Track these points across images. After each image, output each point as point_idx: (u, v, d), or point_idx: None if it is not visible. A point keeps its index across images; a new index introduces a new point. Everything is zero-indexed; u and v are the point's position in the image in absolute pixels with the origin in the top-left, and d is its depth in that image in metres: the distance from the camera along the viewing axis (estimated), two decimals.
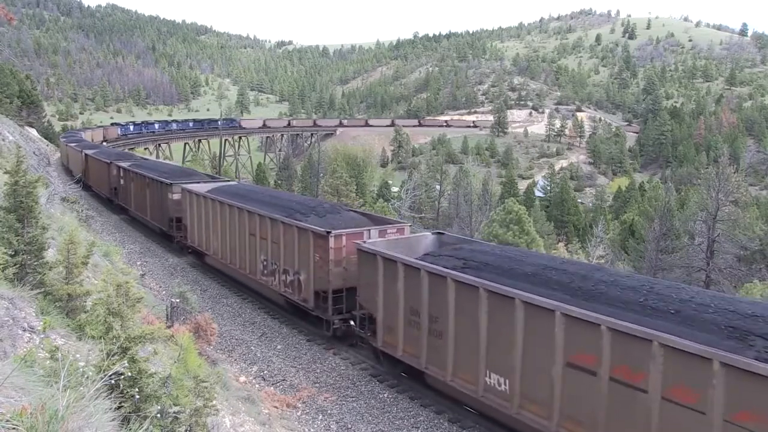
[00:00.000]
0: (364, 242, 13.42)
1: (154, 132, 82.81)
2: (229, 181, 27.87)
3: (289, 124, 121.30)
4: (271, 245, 16.54)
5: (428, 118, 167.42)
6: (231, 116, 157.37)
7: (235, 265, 18.86)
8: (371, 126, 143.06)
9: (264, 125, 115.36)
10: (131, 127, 79.51)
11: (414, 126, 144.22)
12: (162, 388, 5.23)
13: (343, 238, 14.25)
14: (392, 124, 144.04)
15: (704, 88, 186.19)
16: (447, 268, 11.06)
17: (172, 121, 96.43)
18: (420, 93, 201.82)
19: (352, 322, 14.33)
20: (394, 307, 12.09)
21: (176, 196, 23.15)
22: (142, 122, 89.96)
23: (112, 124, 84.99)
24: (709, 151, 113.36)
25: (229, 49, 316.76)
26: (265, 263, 17.03)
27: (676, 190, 71.22)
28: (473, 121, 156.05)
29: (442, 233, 15.17)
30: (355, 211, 17.79)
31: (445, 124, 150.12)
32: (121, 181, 30.51)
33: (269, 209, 17.24)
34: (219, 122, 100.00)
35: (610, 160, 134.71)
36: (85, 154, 38.77)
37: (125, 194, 30.06)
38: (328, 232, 14.11)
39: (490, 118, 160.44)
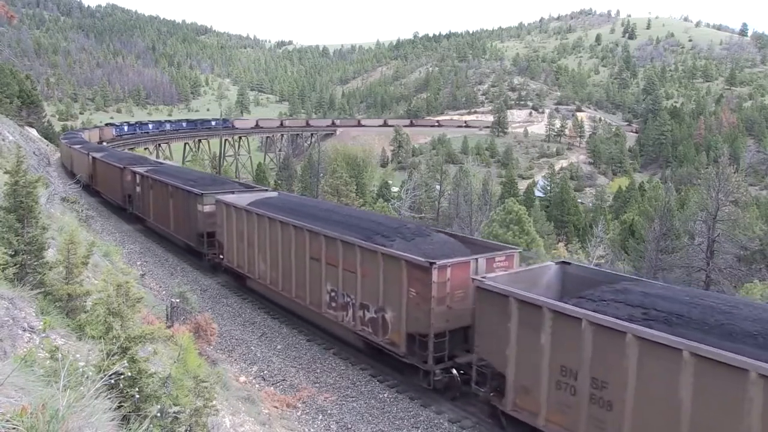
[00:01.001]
0: (483, 278, 10.80)
1: (148, 132, 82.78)
2: (267, 190, 24.37)
3: (281, 124, 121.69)
4: (342, 274, 13.84)
5: (428, 118, 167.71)
6: (230, 116, 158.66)
7: (288, 293, 16.16)
8: (363, 126, 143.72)
9: (257, 125, 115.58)
10: (125, 128, 79.55)
11: (405, 126, 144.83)
12: (162, 388, 5.23)
13: (448, 270, 11.60)
14: (385, 124, 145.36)
15: (704, 88, 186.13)
16: (620, 318, 8.61)
17: (165, 121, 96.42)
18: (420, 93, 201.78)
19: (454, 371, 11.94)
20: (533, 363, 9.62)
21: (208, 209, 20.41)
22: (136, 122, 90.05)
23: (106, 124, 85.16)
24: (709, 151, 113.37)
25: (229, 49, 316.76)
26: (333, 294, 14.30)
27: (676, 190, 71.23)
28: (465, 121, 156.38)
29: (568, 263, 12.50)
30: (443, 232, 14.85)
31: (436, 123, 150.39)
32: (138, 189, 27.53)
33: (338, 229, 14.40)
34: (212, 122, 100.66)
35: (610, 160, 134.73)
36: (93, 158, 36.19)
37: (142, 203, 27.29)
38: (431, 263, 11.36)
39: (482, 117, 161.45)
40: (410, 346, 12.08)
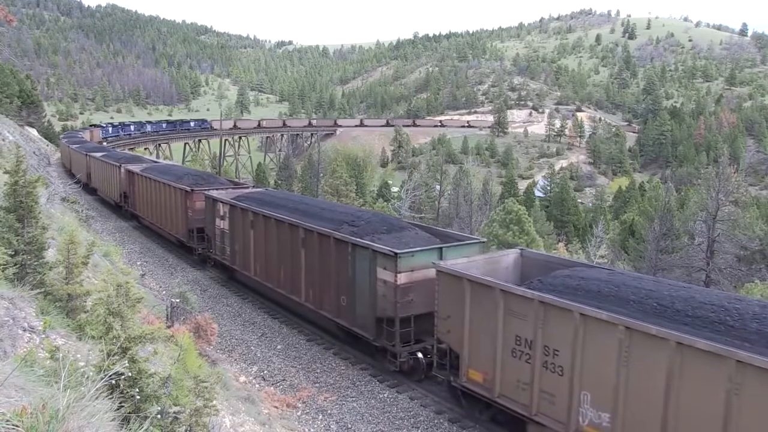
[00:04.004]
0: None
1: (130, 134, 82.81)
2: (481, 241, 14.47)
3: (259, 125, 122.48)
4: None
5: (428, 118, 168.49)
6: (230, 116, 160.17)
7: None
8: (340, 126, 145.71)
9: (235, 126, 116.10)
10: (110, 129, 79.66)
11: (382, 126, 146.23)
12: (162, 388, 5.23)
13: None
14: (361, 124, 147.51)
15: (704, 88, 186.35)
16: None
17: (147, 122, 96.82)
18: (420, 93, 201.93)
19: None
20: None
21: (404, 279, 12.37)
22: (119, 123, 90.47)
23: (91, 125, 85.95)
24: (709, 151, 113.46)
25: (229, 49, 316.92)
26: None
27: (676, 190, 71.17)
28: (440, 121, 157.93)
29: None
30: None
31: (412, 123, 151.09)
32: (222, 223, 19.82)
33: None
34: (191, 123, 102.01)
35: (610, 160, 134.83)
36: (128, 171, 29.24)
37: (230, 246, 19.41)
38: None
39: (460, 118, 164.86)
40: None
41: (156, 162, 36.28)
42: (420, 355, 12.72)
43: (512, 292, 10.12)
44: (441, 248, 12.97)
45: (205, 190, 22.02)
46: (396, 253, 12.23)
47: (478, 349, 10.74)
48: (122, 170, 29.85)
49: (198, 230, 21.90)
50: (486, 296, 10.45)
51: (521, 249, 13.60)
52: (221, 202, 19.83)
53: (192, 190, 22.40)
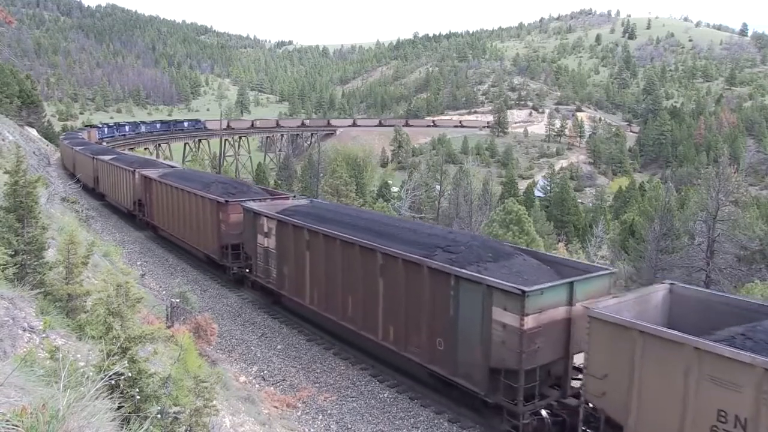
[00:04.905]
0: None
1: (125, 135, 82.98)
2: (612, 277, 11.83)
3: (252, 125, 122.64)
4: None
5: (427, 118, 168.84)
6: (230, 116, 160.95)
7: None
8: (333, 126, 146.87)
9: (228, 126, 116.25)
10: (105, 130, 79.89)
11: (375, 126, 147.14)
12: (162, 388, 5.23)
13: None
14: (354, 124, 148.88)
15: (704, 88, 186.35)
16: None
17: (141, 122, 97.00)
18: (420, 93, 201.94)
19: None
20: None
21: (532, 322, 9.98)
22: (115, 124, 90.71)
23: (87, 126, 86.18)
24: (709, 151, 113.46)
25: (229, 49, 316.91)
26: None
27: (676, 190, 71.15)
28: (433, 120, 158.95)
29: None
30: None
31: (405, 123, 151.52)
32: (265, 241, 17.05)
33: None
34: (184, 123, 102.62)
35: (610, 160, 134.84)
36: (144, 177, 26.44)
37: (283, 269, 16.49)
38: None
39: (453, 118, 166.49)
40: None
41: (173, 166, 33.39)
42: (545, 413, 10.39)
43: (716, 352, 7.61)
44: (572, 283, 10.57)
45: (241, 201, 19.27)
46: (524, 292, 9.70)
47: (652, 421, 8.39)
48: (137, 176, 27.19)
49: (233, 247, 19.28)
50: (669, 354, 8.11)
51: (671, 284, 10.95)
52: (266, 216, 16.84)
53: (226, 201, 19.44)
